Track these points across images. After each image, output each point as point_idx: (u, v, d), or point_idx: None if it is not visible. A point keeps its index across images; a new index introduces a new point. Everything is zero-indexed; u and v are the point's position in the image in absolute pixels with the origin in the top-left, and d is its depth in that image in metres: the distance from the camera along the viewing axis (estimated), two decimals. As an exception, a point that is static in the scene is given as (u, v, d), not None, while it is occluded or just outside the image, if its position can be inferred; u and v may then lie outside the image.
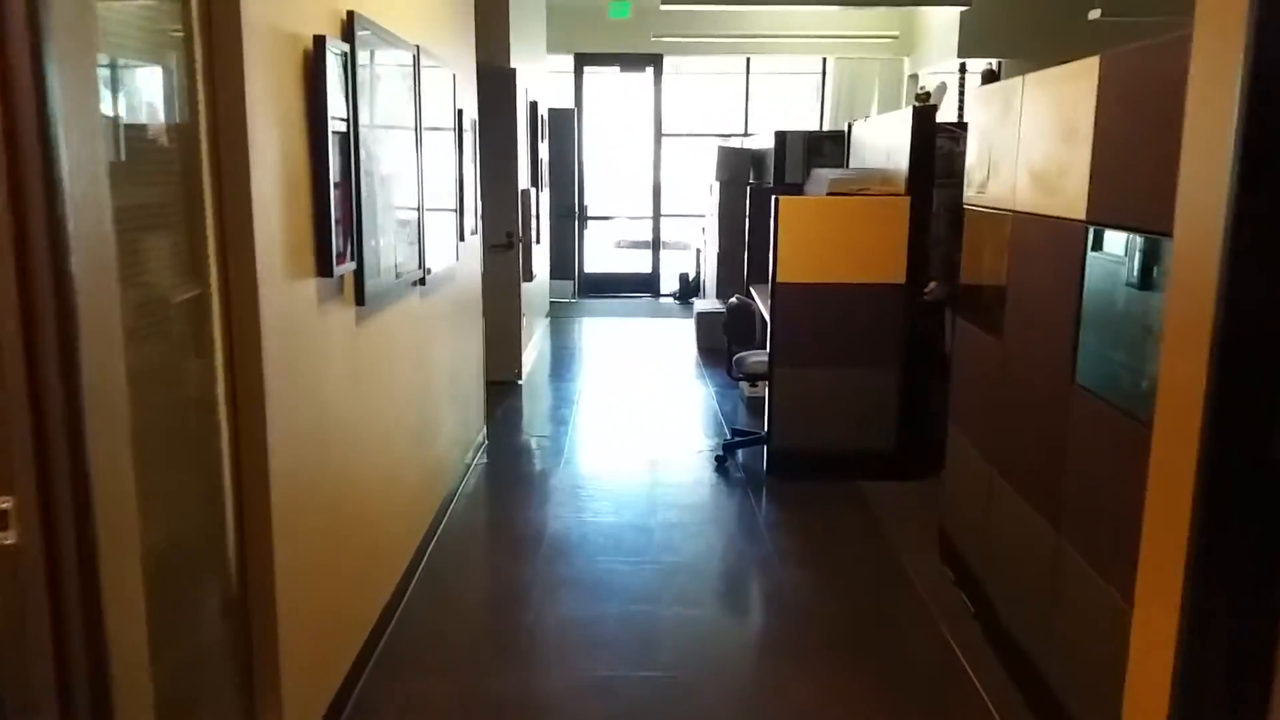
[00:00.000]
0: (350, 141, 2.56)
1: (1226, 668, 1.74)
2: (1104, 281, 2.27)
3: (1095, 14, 7.10)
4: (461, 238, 4.34)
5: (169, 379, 1.89)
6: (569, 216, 9.72)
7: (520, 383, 6.39)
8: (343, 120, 2.52)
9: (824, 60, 9.95)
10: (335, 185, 2.44)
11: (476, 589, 3.49)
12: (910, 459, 4.56)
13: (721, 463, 4.80)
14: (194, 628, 2.01)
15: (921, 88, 4.44)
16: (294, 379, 2.25)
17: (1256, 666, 1.62)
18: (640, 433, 5.40)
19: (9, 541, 1.32)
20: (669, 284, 10.48)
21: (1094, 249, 2.32)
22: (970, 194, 3.35)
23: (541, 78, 8.15)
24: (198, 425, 2.00)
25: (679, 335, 8.32)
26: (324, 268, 2.39)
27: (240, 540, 2.13)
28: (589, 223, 10.40)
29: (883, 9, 9.30)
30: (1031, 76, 2.78)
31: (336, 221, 2.45)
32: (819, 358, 4.48)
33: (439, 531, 3.85)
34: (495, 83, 5.80)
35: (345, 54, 2.53)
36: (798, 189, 5.79)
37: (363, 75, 2.65)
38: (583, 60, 9.93)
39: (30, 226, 1.29)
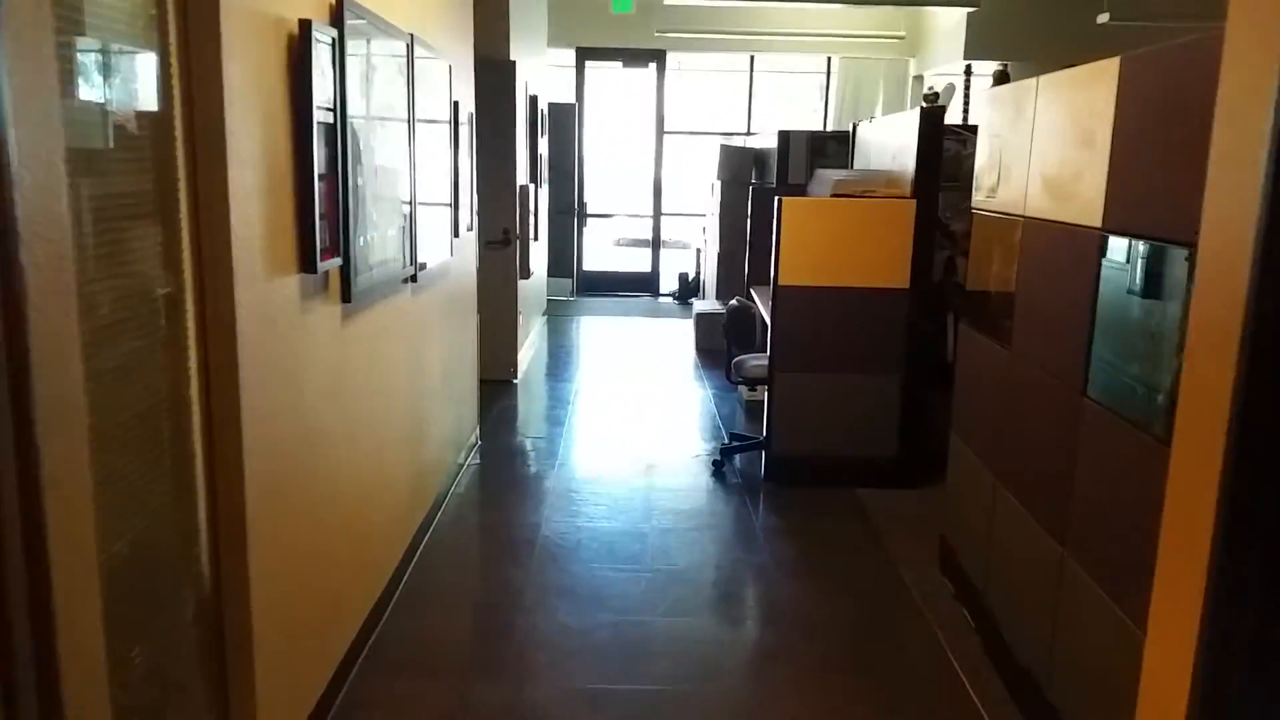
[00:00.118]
0: (338, 132, 2.46)
1: (1249, 700, 1.65)
2: (1119, 291, 2.18)
3: (1104, 18, 7.02)
4: (456, 233, 4.25)
5: (137, 378, 1.80)
6: (568, 213, 9.63)
7: (515, 382, 6.29)
8: (330, 110, 2.42)
9: (829, 60, 9.86)
10: (320, 178, 2.35)
11: (466, 595, 3.39)
12: (911, 467, 4.47)
13: (719, 467, 4.71)
14: (163, 633, 1.92)
15: (930, 89, 4.35)
16: (273, 378, 2.15)
17: (1284, 705, 1.53)
18: (637, 435, 5.31)
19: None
20: (668, 283, 10.39)
21: (1109, 257, 2.22)
22: (979, 198, 3.26)
23: (542, 72, 8.06)
24: (169, 426, 1.90)
25: (677, 336, 8.23)
26: (307, 263, 2.30)
27: (214, 543, 2.03)
28: (588, 220, 10.30)
29: (889, 9, 9.22)
30: (1045, 78, 2.68)
31: (321, 216, 2.35)
32: (820, 363, 4.39)
33: (429, 534, 3.75)
34: (494, 76, 5.70)
35: (333, 40, 2.43)
36: (801, 190, 5.70)
37: (352, 63, 2.56)
38: (584, 55, 9.83)
39: (-26, 216, 1.19)
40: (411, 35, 3.26)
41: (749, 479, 4.62)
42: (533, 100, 6.97)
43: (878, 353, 4.36)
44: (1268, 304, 1.54)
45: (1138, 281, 2.11)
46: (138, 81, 1.79)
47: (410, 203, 3.31)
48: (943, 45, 8.68)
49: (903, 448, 4.44)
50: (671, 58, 9.87)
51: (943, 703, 2.77)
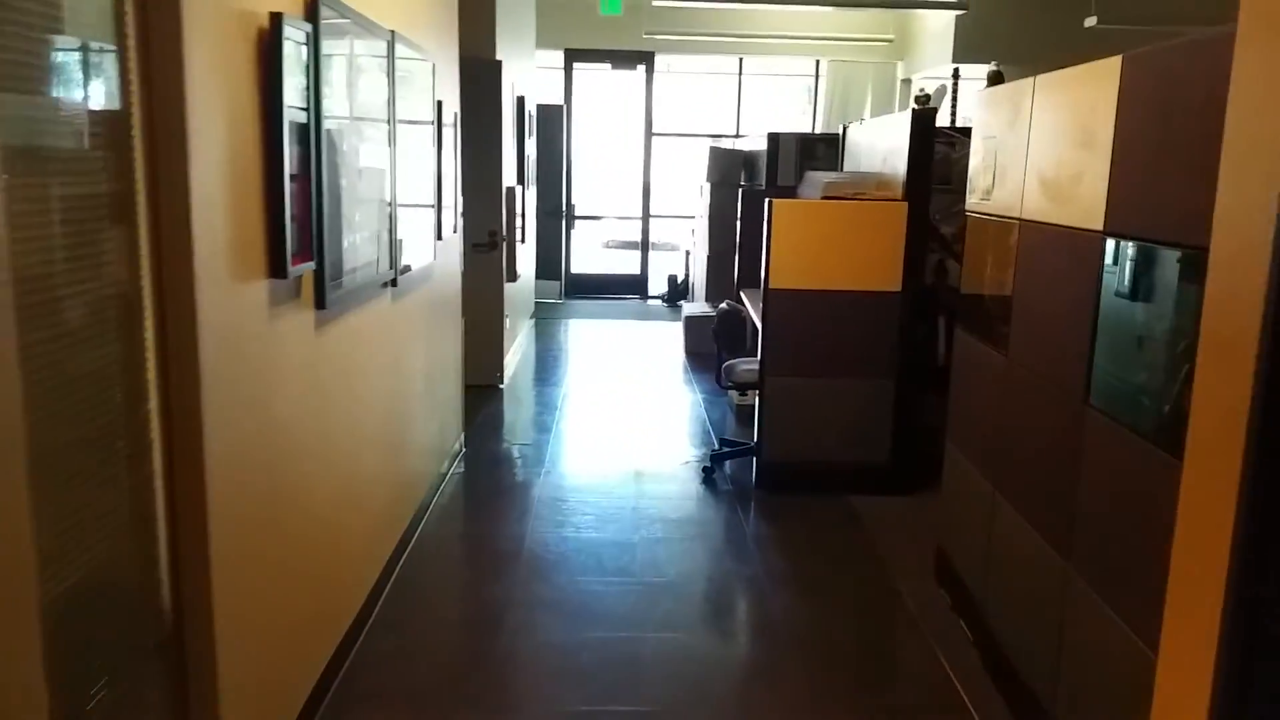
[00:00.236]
0: (312, 131, 2.36)
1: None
2: (1123, 296, 2.10)
3: (1091, 21, 6.98)
4: (440, 236, 4.14)
5: (89, 393, 1.69)
6: (556, 216, 9.53)
7: (502, 387, 6.19)
8: (303, 107, 2.32)
9: (817, 63, 9.79)
10: (292, 178, 2.24)
11: (448, 612, 3.28)
12: (904, 473, 4.39)
13: (709, 474, 4.62)
14: (121, 668, 1.81)
15: (921, 90, 4.27)
16: (238, 391, 2.05)
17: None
18: (626, 441, 5.21)
19: None
20: (657, 286, 10.30)
21: (1112, 261, 2.14)
22: (973, 201, 3.18)
23: (530, 73, 7.96)
24: (126, 444, 1.80)
25: (667, 339, 8.14)
26: (277, 268, 2.19)
27: (175, 570, 1.92)
28: (576, 222, 10.20)
29: (878, 12, 9.17)
30: (1043, 78, 2.61)
31: (293, 218, 2.25)
32: (812, 367, 4.30)
33: (409, 548, 3.64)
34: (479, 76, 5.60)
35: (307, 35, 2.33)
36: (791, 192, 5.62)
37: (328, 60, 2.46)
38: (573, 56, 9.74)
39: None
40: (392, 32, 3.16)
41: (740, 486, 4.53)
42: (520, 101, 6.87)
43: (870, 357, 4.28)
44: (1286, 311, 1.47)
45: (1142, 286, 2.03)
46: (92, 76, 1.68)
47: (390, 205, 3.21)
48: (931, 48, 8.62)
49: (895, 453, 4.36)
50: (660, 60, 9.79)
51: (940, 721, 2.68)
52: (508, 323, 6.37)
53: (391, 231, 3.22)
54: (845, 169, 5.49)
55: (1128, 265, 2.08)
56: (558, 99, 9.65)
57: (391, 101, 3.18)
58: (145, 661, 1.88)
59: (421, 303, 3.90)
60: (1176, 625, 1.71)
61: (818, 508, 4.23)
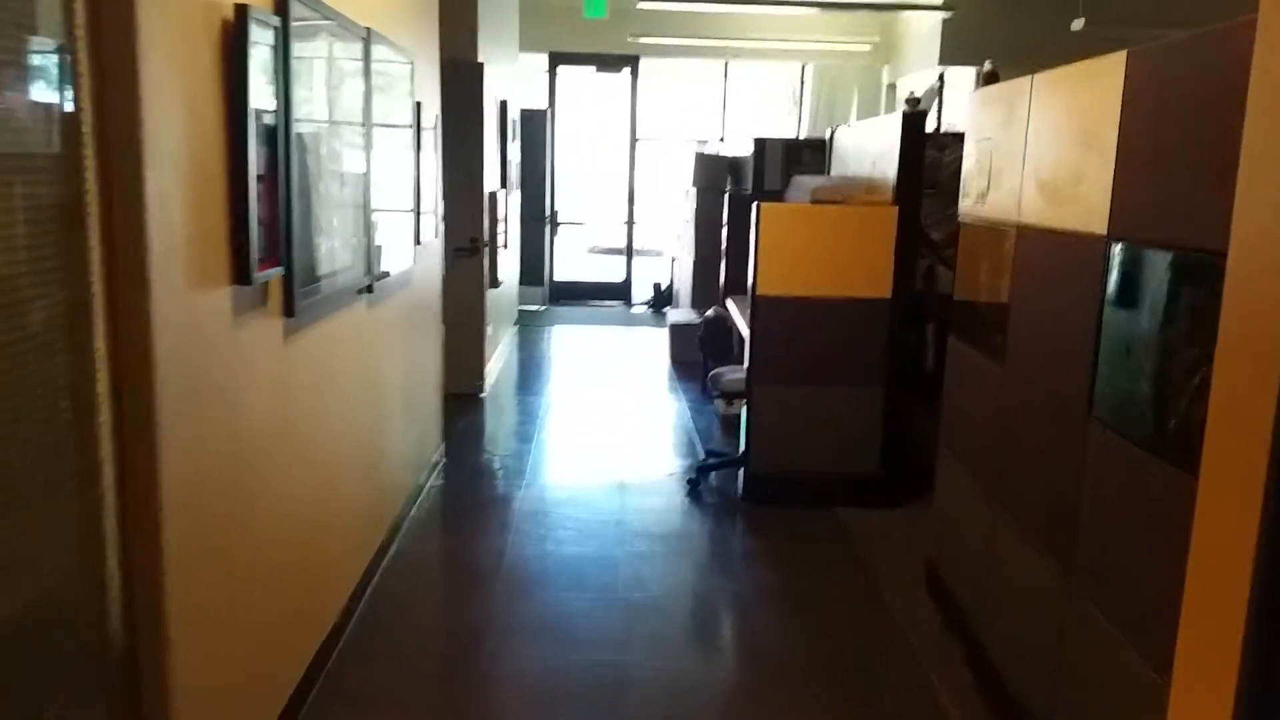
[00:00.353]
0: (280, 131, 2.24)
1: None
2: (1129, 303, 2.01)
3: (1079, 24, 6.96)
4: (419, 241, 4.03)
5: (34, 406, 1.57)
6: (540, 221, 9.41)
7: (483, 396, 6.06)
8: (272, 105, 2.21)
9: (802, 68, 9.74)
10: (259, 180, 2.13)
11: (422, 633, 3.16)
12: (893, 485, 4.30)
13: (694, 486, 4.52)
14: (69, 693, 1.69)
15: (911, 92, 4.20)
16: (198, 404, 1.93)
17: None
18: (609, 451, 5.10)
19: None
20: (642, 292, 10.20)
21: (1117, 266, 2.06)
22: (967, 204, 3.10)
23: (512, 76, 7.85)
24: (74, 462, 1.67)
25: (651, 346, 8.03)
26: (241, 274, 2.08)
27: (127, 591, 1.80)
28: (560, 228, 10.09)
29: (863, 16, 9.13)
30: (1041, 77, 2.53)
31: (259, 222, 2.13)
32: (800, 375, 4.21)
33: (384, 564, 3.52)
34: (460, 78, 5.49)
35: (276, 30, 2.22)
36: (777, 197, 5.53)
37: (299, 56, 2.34)
38: (557, 59, 9.64)
39: None
40: (369, 30, 3.04)
41: (726, 498, 4.43)
42: (502, 105, 6.77)
43: (859, 365, 4.19)
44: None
45: (1150, 292, 1.95)
46: (40, 72, 1.57)
47: (366, 209, 3.09)
48: (916, 52, 8.59)
49: (885, 464, 4.27)
50: (645, 64, 9.70)
51: (936, 744, 2.59)
52: (489, 330, 6.25)
53: (367, 236, 3.11)
54: (833, 173, 5.41)
55: (1134, 270, 1.99)
56: (542, 103, 9.54)
57: (368, 101, 3.07)
58: (97, 687, 1.76)
59: (399, 310, 3.78)
60: (1192, 649, 1.62)
61: (806, 520, 4.13)
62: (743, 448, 4.36)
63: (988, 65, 3.02)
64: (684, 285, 8.49)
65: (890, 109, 9.32)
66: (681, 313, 7.91)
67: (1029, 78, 2.60)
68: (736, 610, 3.40)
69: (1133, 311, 2.00)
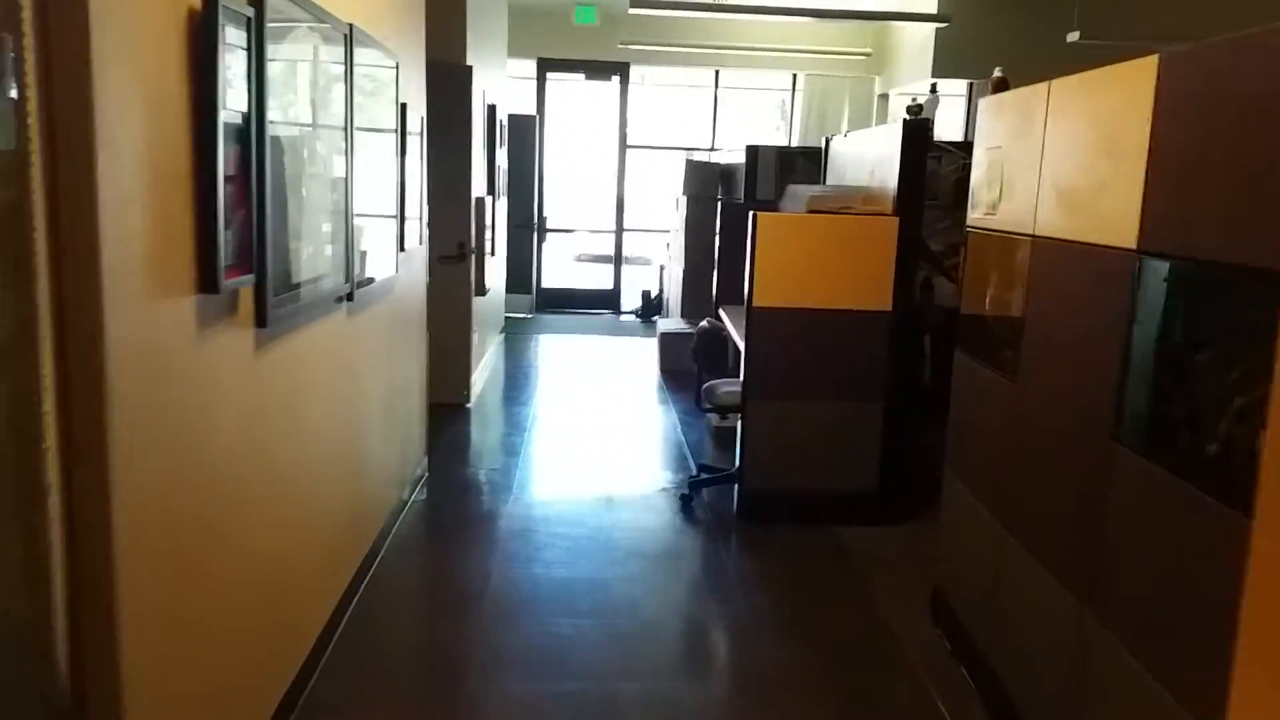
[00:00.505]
0: (253, 130, 2.09)
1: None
2: (1161, 322, 1.88)
3: (1074, 36, 6.90)
4: (403, 247, 3.87)
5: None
6: (528, 228, 9.26)
7: (469, 406, 5.90)
8: (244, 102, 2.05)
9: (794, 77, 9.65)
10: (228, 181, 1.97)
11: (404, 661, 2.99)
12: (893, 502, 4.17)
13: (687, 502, 4.37)
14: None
15: (914, 99, 4.09)
16: (159, 422, 1.77)
17: None
18: (599, 465, 4.95)
19: None
20: (630, 301, 10.06)
21: (1148, 282, 1.93)
22: (976, 215, 2.98)
23: (501, 81, 7.72)
24: (15, 488, 1.51)
25: (641, 355, 7.90)
26: (208, 282, 1.92)
27: (74, 628, 1.64)
28: (548, 235, 9.94)
29: (856, 26, 9.04)
30: (1059, 82, 2.41)
31: (228, 226, 1.98)
32: (797, 389, 4.08)
33: (364, 586, 3.35)
34: (448, 81, 5.34)
35: (248, 22, 2.07)
36: (770, 206, 5.41)
37: (274, 51, 2.19)
38: (546, 66, 9.51)
39: None
40: (351, 26, 2.90)
41: (720, 515, 4.28)
42: (491, 109, 6.62)
43: (858, 379, 4.06)
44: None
45: (1186, 310, 1.82)
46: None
47: (346, 213, 2.94)
48: (909, 63, 8.51)
49: (884, 481, 4.14)
50: (635, 71, 9.59)
51: (946, 784, 2.45)
52: (475, 338, 6.10)
53: (348, 242, 2.95)
54: (828, 182, 5.30)
55: (1167, 287, 1.86)
56: (530, 109, 9.41)
57: (349, 101, 2.91)
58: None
59: (382, 318, 3.63)
60: (1248, 700, 1.49)
61: (803, 539, 4.00)
62: (737, 463, 4.22)
63: (997, 72, 2.91)
64: (674, 294, 8.36)
65: (882, 120, 9.24)
66: (672, 322, 7.78)
67: (1045, 84, 2.48)
68: (734, 636, 3.25)
69: (1166, 330, 1.87)
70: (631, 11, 7.67)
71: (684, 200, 7.90)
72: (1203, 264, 1.75)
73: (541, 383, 6.88)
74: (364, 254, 3.20)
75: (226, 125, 1.95)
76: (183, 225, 1.85)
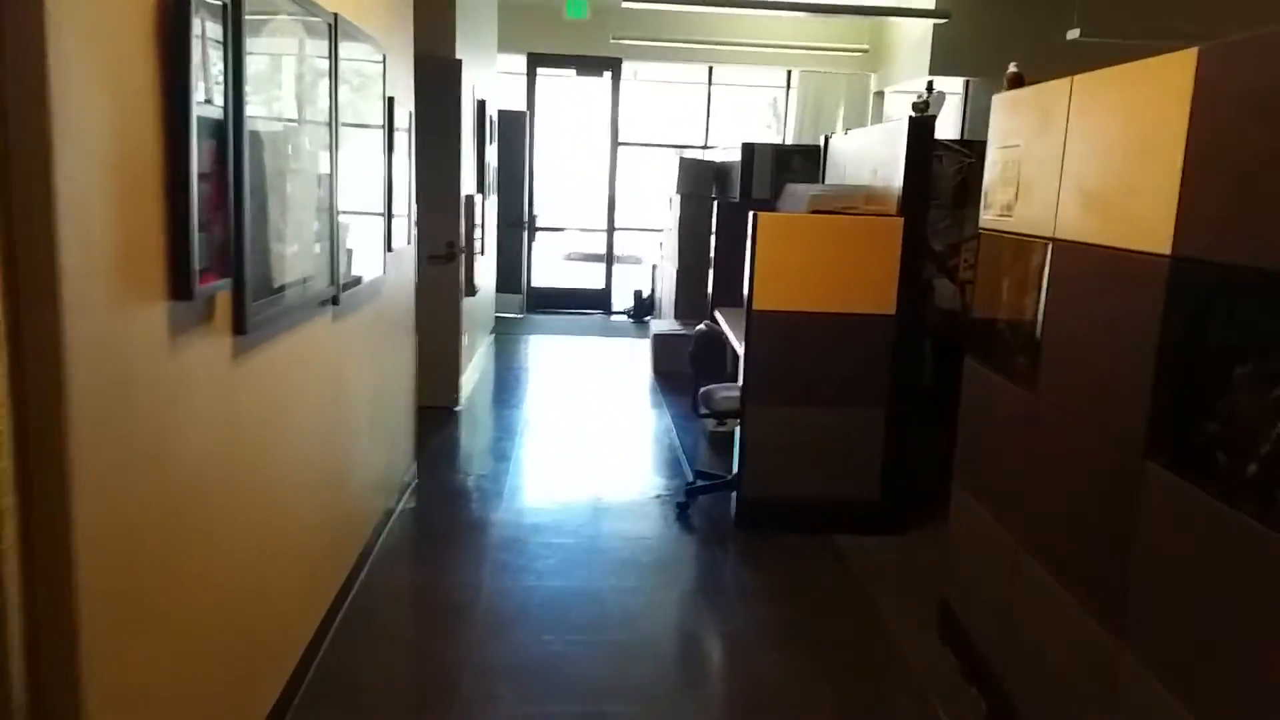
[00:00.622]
0: (230, 125, 1.95)
1: None
2: (1199, 331, 1.77)
3: (1074, 34, 6.82)
4: (390, 247, 3.73)
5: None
6: (518, 226, 9.12)
7: (458, 409, 5.76)
8: (220, 94, 1.92)
9: (788, 74, 9.53)
10: (203, 178, 1.84)
11: (390, 681, 2.85)
12: (894, 511, 4.06)
13: (683, 510, 4.25)
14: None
15: (920, 96, 3.97)
16: (123, 441, 1.63)
17: None
18: (592, 471, 4.82)
19: None
20: (622, 301, 9.93)
21: (1186, 290, 1.82)
22: (989, 216, 2.86)
23: (491, 76, 7.56)
24: (-39, 517, 1.38)
25: (633, 356, 7.77)
26: (181, 288, 1.78)
27: (32, 670, 1.50)
28: (539, 234, 9.80)
29: (852, 22, 8.94)
30: (1083, 78, 2.29)
31: (203, 227, 1.84)
32: (797, 395, 3.96)
33: (350, 599, 3.21)
34: (437, 75, 5.20)
35: (224, 9, 1.93)
36: (767, 205, 5.29)
37: (254, 41, 2.05)
38: (536, 61, 9.36)
39: None
40: (335, 15, 2.76)
41: (717, 523, 4.16)
42: (480, 105, 6.48)
43: (860, 385, 3.95)
44: None
45: (1229, 320, 1.71)
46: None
47: (331, 212, 2.80)
48: (906, 60, 8.41)
49: (886, 489, 4.03)
50: (627, 67, 9.45)
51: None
52: (465, 340, 5.96)
53: (333, 243, 2.81)
54: (828, 181, 5.18)
55: (1208, 295, 1.75)
56: (520, 105, 9.26)
57: (334, 95, 2.77)
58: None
59: (368, 321, 3.49)
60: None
61: (803, 549, 3.88)
62: (736, 470, 4.10)
63: (1013, 68, 2.79)
64: (667, 294, 8.24)
65: (878, 118, 9.13)
66: (665, 323, 7.66)
67: (1067, 80, 2.36)
68: (735, 652, 3.14)
69: (1204, 341, 1.76)
70: (624, 5, 7.53)
71: (677, 199, 7.77)
72: (1246, 271, 1.64)
73: (533, 385, 6.75)
74: (350, 255, 3.06)
75: (202, 120, 1.82)
76: (153, 227, 1.71)
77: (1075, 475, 2.25)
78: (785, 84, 9.65)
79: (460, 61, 5.46)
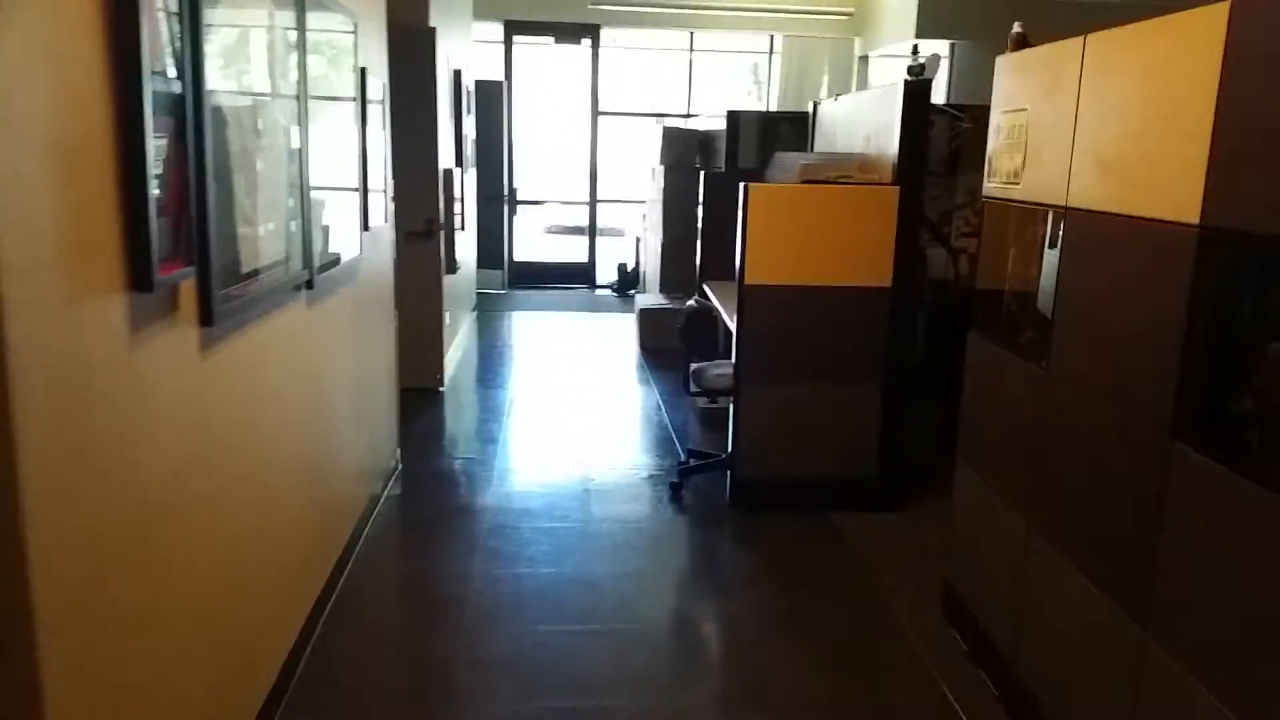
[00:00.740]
0: (189, 99, 1.80)
1: None
2: (1232, 306, 1.67)
3: (1065, -9, 6.68)
4: (366, 226, 3.58)
5: None
6: (497, 200, 8.93)
7: (442, 390, 5.63)
8: (175, 65, 1.76)
9: (771, 39, 9.34)
10: (161, 159, 1.69)
11: (379, 681, 2.74)
12: (892, 488, 3.98)
13: (677, 490, 4.16)
14: None
15: (915, 59, 3.84)
16: (81, 447, 1.50)
17: None
18: (581, 451, 4.71)
19: None
20: (606, 274, 9.78)
21: (1217, 262, 1.72)
22: (993, 184, 2.75)
23: (466, 45, 7.35)
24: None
25: (619, 331, 7.65)
26: (139, 278, 1.64)
27: (-10, 703, 1.38)
28: (519, 208, 9.61)
29: (835, -16, 8.74)
30: (1096, 36, 2.17)
31: (162, 211, 1.70)
32: (792, 372, 3.86)
33: (335, 594, 3.10)
34: (411, 44, 5.00)
35: (179, -28, 1.77)
36: (754, 175, 5.15)
37: (212, 9, 1.89)
38: (513, 29, 9.12)
39: None
40: (301, -19, 2.59)
41: (712, 503, 4.07)
42: (456, 75, 6.28)
43: (857, 360, 3.85)
44: None
45: (1261, 294, 1.61)
46: None
47: (303, 192, 2.65)
48: (891, 23, 8.24)
49: (883, 466, 3.95)
50: (606, 34, 9.22)
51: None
52: (447, 318, 5.81)
53: (305, 224, 2.66)
54: (817, 149, 5.05)
55: (1243, 267, 1.65)
56: (498, 75, 9.03)
57: (302, 66, 2.61)
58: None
59: (346, 304, 3.34)
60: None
61: (800, 528, 3.80)
62: (730, 449, 4.01)
63: (1017, 27, 2.67)
64: (652, 267, 8.10)
65: (863, 83, 8.98)
66: (651, 297, 7.53)
67: (1079, 39, 2.24)
68: (735, 638, 3.05)
69: (1237, 315, 1.66)
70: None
71: (661, 170, 7.61)
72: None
73: (517, 363, 6.62)
74: (325, 235, 2.91)
75: (157, 94, 1.67)
76: (106, 213, 1.56)
77: (1091, 454, 2.15)
78: (768, 49, 9.46)
79: (435, 30, 5.26)
